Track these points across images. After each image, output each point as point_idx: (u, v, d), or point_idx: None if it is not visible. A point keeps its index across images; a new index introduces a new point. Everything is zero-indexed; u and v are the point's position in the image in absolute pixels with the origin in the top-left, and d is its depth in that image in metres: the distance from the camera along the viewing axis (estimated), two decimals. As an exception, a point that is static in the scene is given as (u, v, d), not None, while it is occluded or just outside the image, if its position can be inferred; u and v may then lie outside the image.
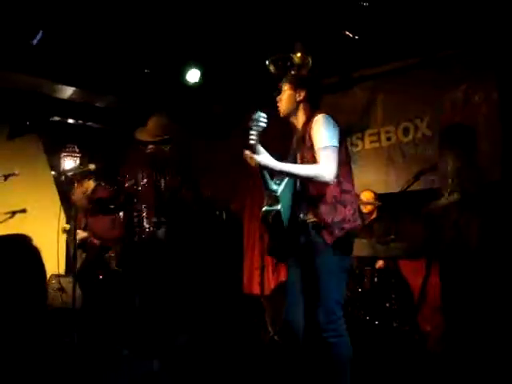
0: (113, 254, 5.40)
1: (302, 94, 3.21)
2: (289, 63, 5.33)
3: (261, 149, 2.91)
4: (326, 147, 2.94)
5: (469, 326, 3.48)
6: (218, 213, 5.22)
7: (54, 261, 5.59)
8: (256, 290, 6.45)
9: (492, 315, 3.52)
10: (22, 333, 1.78)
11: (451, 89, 5.49)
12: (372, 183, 6.09)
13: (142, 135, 5.42)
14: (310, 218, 3.07)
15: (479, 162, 3.98)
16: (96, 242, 5.49)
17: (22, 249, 1.89)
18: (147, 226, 5.27)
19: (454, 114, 5.39)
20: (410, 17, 4.90)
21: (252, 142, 2.84)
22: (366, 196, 5.56)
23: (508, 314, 3.55)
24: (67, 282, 5.51)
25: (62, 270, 6.32)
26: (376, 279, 5.08)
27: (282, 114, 3.28)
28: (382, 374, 3.97)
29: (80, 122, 7.07)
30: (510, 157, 4.99)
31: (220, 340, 4.94)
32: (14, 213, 6.24)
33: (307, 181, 3.05)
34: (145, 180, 5.46)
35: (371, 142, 6.19)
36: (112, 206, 5.27)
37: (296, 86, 3.22)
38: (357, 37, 5.02)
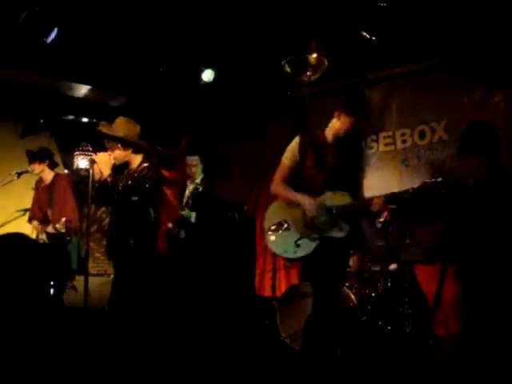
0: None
1: None
2: (304, 64, 5.29)
3: None
4: None
5: (488, 331, 3.40)
6: (230, 214, 5.17)
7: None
8: (267, 292, 6.42)
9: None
10: (28, 325, 1.78)
11: (469, 91, 5.42)
12: (386, 186, 6.01)
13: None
14: None
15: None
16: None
17: (26, 245, 1.88)
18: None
19: (472, 116, 5.32)
20: (427, 18, 4.85)
21: None
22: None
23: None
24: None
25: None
26: (389, 284, 5.02)
27: None
28: (396, 380, 3.92)
29: (94, 120, 7.07)
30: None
31: (230, 341, 4.91)
32: (26, 210, 6.26)
33: None
34: None
35: (386, 144, 6.12)
36: None
37: None
38: (373, 38, 4.96)
